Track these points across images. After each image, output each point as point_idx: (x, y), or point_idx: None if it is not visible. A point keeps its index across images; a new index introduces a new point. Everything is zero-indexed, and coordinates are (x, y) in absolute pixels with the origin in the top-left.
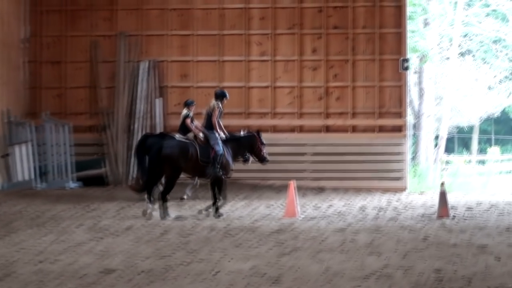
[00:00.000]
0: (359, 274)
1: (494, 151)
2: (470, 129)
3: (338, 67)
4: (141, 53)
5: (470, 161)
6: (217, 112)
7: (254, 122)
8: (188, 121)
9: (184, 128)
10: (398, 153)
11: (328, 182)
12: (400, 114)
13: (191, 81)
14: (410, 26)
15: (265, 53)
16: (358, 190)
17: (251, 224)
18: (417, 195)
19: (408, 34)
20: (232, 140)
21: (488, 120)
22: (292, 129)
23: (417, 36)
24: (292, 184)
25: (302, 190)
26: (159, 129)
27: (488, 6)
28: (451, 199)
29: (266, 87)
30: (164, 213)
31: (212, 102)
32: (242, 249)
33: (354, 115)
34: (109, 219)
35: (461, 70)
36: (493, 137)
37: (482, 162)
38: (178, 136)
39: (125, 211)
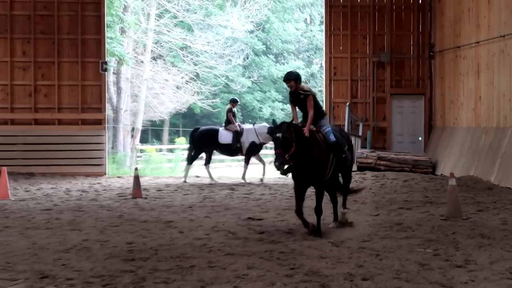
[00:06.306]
0: (61, 247)
1: (181, 141)
2: (162, 122)
3: (46, 68)
4: None
5: (161, 150)
6: None
7: None
8: (230, 115)
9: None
10: (99, 143)
11: (37, 168)
12: (100, 109)
13: None
14: (108, 33)
15: None
16: (64, 175)
17: None
18: (115, 179)
19: (107, 40)
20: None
21: (176, 115)
22: (5, 122)
23: (115, 42)
24: (5, 170)
25: (14, 175)
26: None
27: (176, 17)
28: (144, 182)
29: None
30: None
31: None
32: None
33: (60, 109)
34: None
35: (153, 72)
36: (181, 129)
37: (171, 150)
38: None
39: None
